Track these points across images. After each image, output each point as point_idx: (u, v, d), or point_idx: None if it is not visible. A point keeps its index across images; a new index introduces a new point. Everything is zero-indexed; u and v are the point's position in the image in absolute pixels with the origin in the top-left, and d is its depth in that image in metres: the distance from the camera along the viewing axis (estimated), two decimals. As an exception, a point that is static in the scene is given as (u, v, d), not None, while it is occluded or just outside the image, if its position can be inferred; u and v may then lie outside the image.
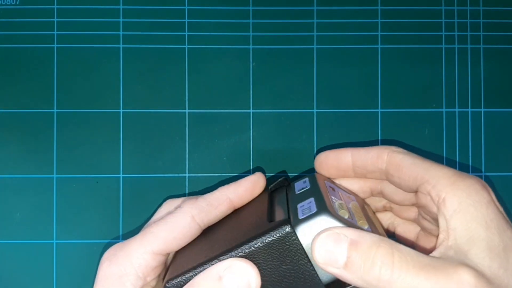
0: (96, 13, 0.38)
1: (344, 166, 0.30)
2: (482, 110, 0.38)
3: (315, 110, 0.38)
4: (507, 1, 0.39)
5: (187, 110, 0.38)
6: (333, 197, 0.27)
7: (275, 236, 0.25)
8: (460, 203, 0.24)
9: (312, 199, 0.26)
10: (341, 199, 0.28)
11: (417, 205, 0.29)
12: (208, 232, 0.29)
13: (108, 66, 0.38)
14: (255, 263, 0.25)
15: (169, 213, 0.29)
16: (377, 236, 0.23)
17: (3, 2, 0.38)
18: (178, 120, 0.38)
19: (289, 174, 0.38)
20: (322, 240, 0.23)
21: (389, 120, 0.38)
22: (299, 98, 0.38)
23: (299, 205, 0.27)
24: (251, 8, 0.39)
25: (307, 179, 0.31)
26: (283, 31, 0.38)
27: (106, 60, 0.38)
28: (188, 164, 0.38)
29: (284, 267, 0.25)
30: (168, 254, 0.29)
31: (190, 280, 0.25)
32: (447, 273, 0.21)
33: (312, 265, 0.24)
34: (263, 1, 0.38)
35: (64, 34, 0.38)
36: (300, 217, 0.25)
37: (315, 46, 0.38)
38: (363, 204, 0.31)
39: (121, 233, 0.37)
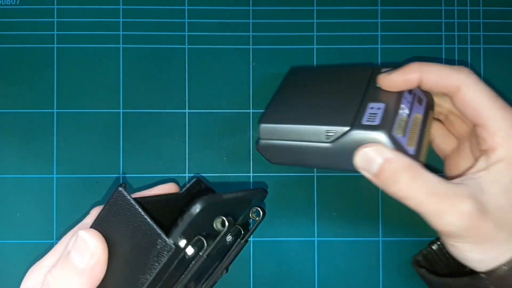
0: (96, 13, 0.38)
1: (411, 85, 0.31)
2: (482, 110, 0.38)
3: (315, 110, 0.38)
4: (507, 1, 0.39)
5: (187, 110, 0.38)
6: (403, 105, 0.30)
7: (111, 199, 0.25)
8: (506, 157, 0.27)
9: (383, 105, 0.30)
10: (410, 107, 0.31)
11: (471, 133, 0.31)
12: None
13: (108, 66, 0.38)
14: (102, 231, 0.25)
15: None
16: (410, 161, 0.27)
17: (3, 2, 0.38)
18: (178, 120, 0.38)
19: (289, 175, 0.38)
20: (366, 151, 0.28)
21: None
22: (299, 98, 0.38)
23: (369, 105, 0.30)
24: (251, 8, 0.39)
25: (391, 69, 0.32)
26: (283, 31, 0.38)
27: (106, 60, 0.38)
28: (188, 164, 0.38)
29: (125, 226, 0.25)
30: None
31: None
32: (452, 202, 0.26)
33: (146, 216, 0.25)
34: (263, 1, 0.38)
35: (64, 34, 0.38)
36: (363, 122, 0.29)
37: (315, 46, 0.38)
38: (429, 110, 0.32)
39: (121, 233, 0.37)
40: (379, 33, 0.39)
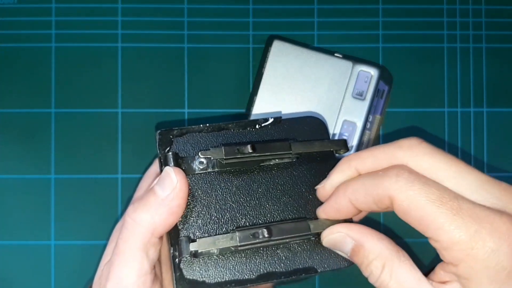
0: (94, 11, 0.38)
1: (349, 213, 0.27)
2: (484, 109, 0.38)
3: (315, 110, 0.38)
4: (509, 0, 0.39)
5: (186, 110, 0.38)
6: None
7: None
8: (476, 274, 0.22)
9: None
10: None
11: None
12: None
13: (107, 65, 0.38)
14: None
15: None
16: (386, 249, 0.25)
17: (1, 1, 0.38)
18: (177, 120, 0.38)
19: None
20: (332, 238, 0.27)
21: (390, 120, 0.38)
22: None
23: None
24: (251, 6, 0.38)
25: None
26: (284, 30, 0.38)
27: (105, 59, 0.38)
28: (187, 164, 0.37)
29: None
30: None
31: None
32: None
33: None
34: (264, 0, 0.38)
35: (62, 33, 0.38)
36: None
37: (315, 46, 0.38)
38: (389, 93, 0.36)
39: (119, 234, 0.37)
40: (380, 32, 0.38)
